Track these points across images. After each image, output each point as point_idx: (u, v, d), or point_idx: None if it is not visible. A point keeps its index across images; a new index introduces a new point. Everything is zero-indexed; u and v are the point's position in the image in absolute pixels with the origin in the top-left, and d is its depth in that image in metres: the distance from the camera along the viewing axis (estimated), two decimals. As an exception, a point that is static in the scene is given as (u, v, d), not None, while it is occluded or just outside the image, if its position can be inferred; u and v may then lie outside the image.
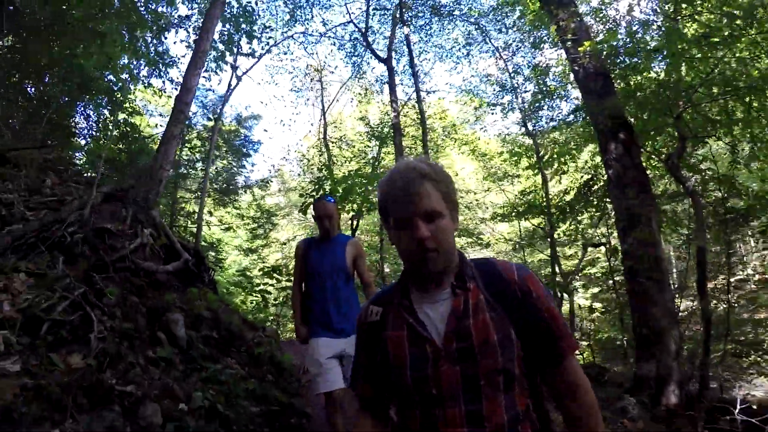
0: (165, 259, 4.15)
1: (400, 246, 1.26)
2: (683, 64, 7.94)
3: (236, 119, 18.63)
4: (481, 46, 13.53)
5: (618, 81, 8.82)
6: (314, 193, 8.47)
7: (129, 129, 10.63)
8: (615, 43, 8.47)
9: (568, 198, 11.53)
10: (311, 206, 3.53)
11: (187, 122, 8.25)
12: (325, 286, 3.14)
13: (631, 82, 8.90)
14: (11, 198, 3.05)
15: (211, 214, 14.26)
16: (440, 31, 13.40)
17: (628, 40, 8.71)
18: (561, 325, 1.28)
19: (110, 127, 10.01)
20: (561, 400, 1.29)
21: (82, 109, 9.74)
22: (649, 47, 8.58)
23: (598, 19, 10.41)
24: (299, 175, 20.83)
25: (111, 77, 9.98)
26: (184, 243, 4.76)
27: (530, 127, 12.27)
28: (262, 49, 13.29)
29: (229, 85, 13.28)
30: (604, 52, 8.19)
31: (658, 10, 10.02)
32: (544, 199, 11.49)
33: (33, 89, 8.97)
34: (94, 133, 9.41)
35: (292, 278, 3.65)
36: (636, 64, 8.43)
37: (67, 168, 5.12)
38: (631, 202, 7.52)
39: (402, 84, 13.60)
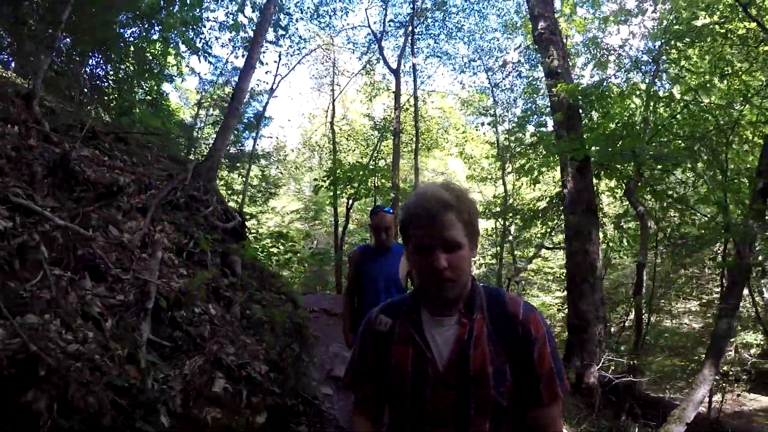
0: (224, 220, 5.92)
1: (418, 270, 1.29)
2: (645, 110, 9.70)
3: (249, 93, 20.20)
4: (480, 64, 15.32)
5: (584, 116, 10.57)
6: (325, 179, 10.14)
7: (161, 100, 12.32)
8: (578, 89, 10.16)
9: (542, 204, 13.30)
10: (371, 215, 3.43)
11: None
12: (380, 297, 3.05)
13: (594, 119, 10.68)
14: (142, 170, 4.78)
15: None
16: (446, 42, 15.22)
17: (594, 84, 10.51)
18: (548, 371, 1.28)
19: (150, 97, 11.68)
20: None
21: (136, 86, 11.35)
22: (613, 94, 10.35)
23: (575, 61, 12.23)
24: (301, 152, 22.59)
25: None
26: (232, 209, 6.54)
27: (502, 139, 13.92)
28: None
29: (272, 88, 14.95)
30: (575, 93, 9.83)
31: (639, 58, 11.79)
32: (502, 205, 13.11)
33: (94, 67, 10.54)
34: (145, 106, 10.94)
35: (346, 284, 3.63)
36: (596, 106, 10.22)
37: (152, 145, 6.80)
38: (578, 218, 9.31)
39: (406, 84, 15.25)
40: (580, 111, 10.41)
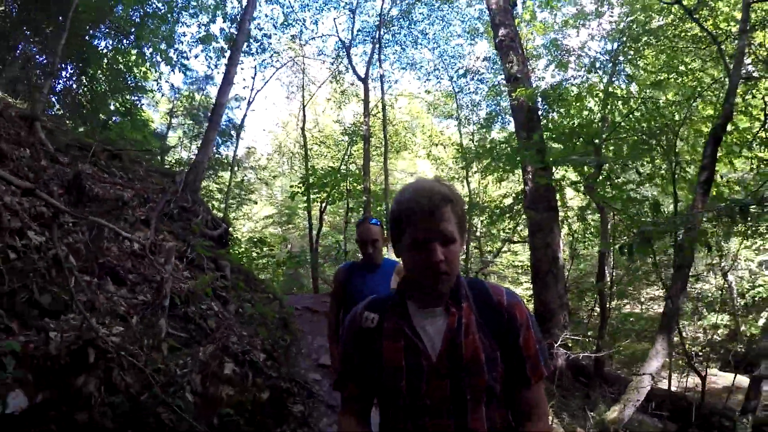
0: (211, 228, 6.38)
1: (413, 265, 1.31)
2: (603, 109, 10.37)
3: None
4: (444, 69, 16.02)
5: (543, 116, 11.24)
6: (300, 185, 10.62)
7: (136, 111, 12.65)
8: (537, 92, 10.85)
9: (507, 201, 13.95)
10: (357, 226, 3.15)
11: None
12: None
13: (551, 120, 11.35)
14: (139, 185, 5.22)
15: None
16: (413, 48, 15.86)
17: (550, 88, 11.22)
18: (533, 354, 1.34)
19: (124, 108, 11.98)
20: (519, 419, 1.37)
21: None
22: (571, 95, 11.04)
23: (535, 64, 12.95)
24: (273, 158, 22.97)
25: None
26: (217, 217, 7.00)
27: (467, 142, 14.60)
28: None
29: (249, 102, 15.36)
30: (533, 97, 10.48)
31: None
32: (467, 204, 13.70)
33: (67, 80, 10.81)
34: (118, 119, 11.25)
35: (329, 305, 3.26)
36: (554, 107, 10.93)
37: (139, 159, 7.20)
38: (540, 214, 9.98)
39: (374, 90, 15.82)
40: (539, 113, 11.03)
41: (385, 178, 13.16)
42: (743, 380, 12.46)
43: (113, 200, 4.14)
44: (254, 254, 10.67)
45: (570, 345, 9.19)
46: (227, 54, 13.54)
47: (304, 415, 3.88)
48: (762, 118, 8.27)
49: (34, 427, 2.10)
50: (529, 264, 15.32)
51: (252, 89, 15.83)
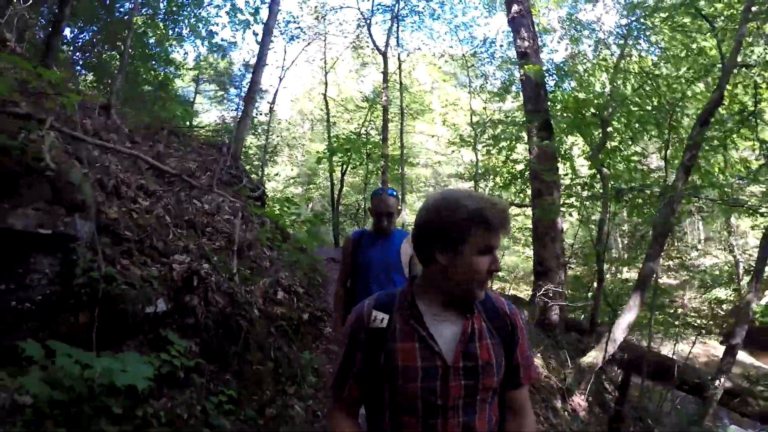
0: (252, 190, 7.64)
1: (475, 270, 1.36)
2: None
3: (244, 65, 21.54)
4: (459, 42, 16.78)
5: (555, 88, 12.05)
6: (325, 152, 11.78)
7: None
8: (545, 68, 11.65)
9: (519, 167, 14.90)
10: (371, 199, 3.17)
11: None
12: (380, 280, 2.92)
13: (556, 96, 12.13)
14: (200, 158, 6.46)
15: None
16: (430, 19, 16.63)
17: (558, 67, 12.04)
18: (527, 359, 1.51)
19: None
20: (508, 417, 1.51)
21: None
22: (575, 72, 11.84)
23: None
24: (295, 120, 24.08)
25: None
26: (257, 180, 8.25)
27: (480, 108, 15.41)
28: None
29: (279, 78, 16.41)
30: (540, 73, 11.29)
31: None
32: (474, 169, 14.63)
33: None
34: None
35: (339, 274, 3.32)
36: (558, 85, 11.73)
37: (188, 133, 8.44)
38: (540, 179, 10.99)
39: (393, 58, 16.68)
40: (550, 86, 11.76)
41: (401, 145, 14.19)
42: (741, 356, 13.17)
43: (184, 171, 5.38)
44: (284, 212, 11.90)
45: (566, 301, 10.24)
46: (253, 26, 14.52)
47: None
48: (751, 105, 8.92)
49: (170, 322, 3.40)
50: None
51: (282, 68, 16.81)
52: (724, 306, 17.50)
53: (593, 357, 7.49)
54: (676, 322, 11.08)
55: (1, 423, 2.23)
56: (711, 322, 16.10)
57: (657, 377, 8.88)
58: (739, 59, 8.09)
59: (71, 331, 2.79)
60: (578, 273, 15.33)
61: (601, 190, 13.54)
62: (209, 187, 5.29)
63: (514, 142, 13.93)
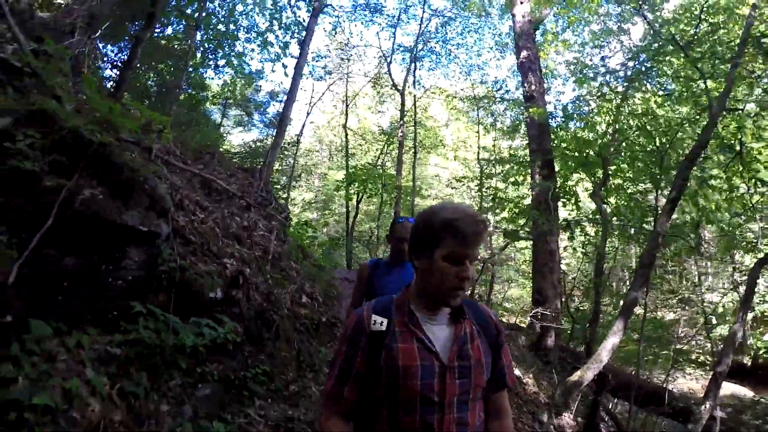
0: (279, 212, 8.60)
1: (442, 277, 1.46)
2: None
3: (269, 94, 22.83)
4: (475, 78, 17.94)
5: (553, 133, 12.90)
6: (343, 181, 12.80)
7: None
8: (550, 111, 12.56)
9: (526, 202, 15.71)
10: (392, 227, 3.30)
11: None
12: None
13: (561, 136, 12.99)
14: (239, 179, 7.45)
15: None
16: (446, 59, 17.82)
17: (564, 108, 12.93)
18: (509, 363, 1.65)
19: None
20: (490, 418, 1.64)
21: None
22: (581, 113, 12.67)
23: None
24: (314, 148, 25.27)
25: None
26: (283, 203, 9.23)
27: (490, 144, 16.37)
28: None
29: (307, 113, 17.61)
30: (544, 116, 12.19)
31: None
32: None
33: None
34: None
35: (351, 300, 3.43)
36: (563, 126, 12.54)
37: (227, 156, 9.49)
38: (541, 214, 11.81)
39: (410, 95, 17.82)
40: (556, 125, 12.56)
41: (413, 177, 15.19)
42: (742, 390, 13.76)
43: (226, 191, 6.37)
44: (303, 234, 12.88)
45: (563, 328, 10.87)
46: (282, 59, 15.71)
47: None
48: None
49: (223, 309, 4.32)
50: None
51: (309, 104, 18.07)
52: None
53: (578, 376, 8.12)
54: (665, 352, 11.72)
55: (99, 365, 3.11)
56: (715, 359, 16.58)
57: (646, 404, 9.32)
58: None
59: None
60: (583, 306, 15.83)
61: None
62: (249, 206, 6.26)
63: (521, 177, 14.78)
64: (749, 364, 16.55)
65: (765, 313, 16.24)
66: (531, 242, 12.79)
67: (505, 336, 1.65)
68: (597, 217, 12.54)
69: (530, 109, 12.03)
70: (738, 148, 9.01)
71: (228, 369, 3.95)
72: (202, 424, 3.31)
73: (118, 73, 7.37)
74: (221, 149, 10.83)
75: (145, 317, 3.44)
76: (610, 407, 9.88)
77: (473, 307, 1.64)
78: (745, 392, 13.57)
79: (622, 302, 15.37)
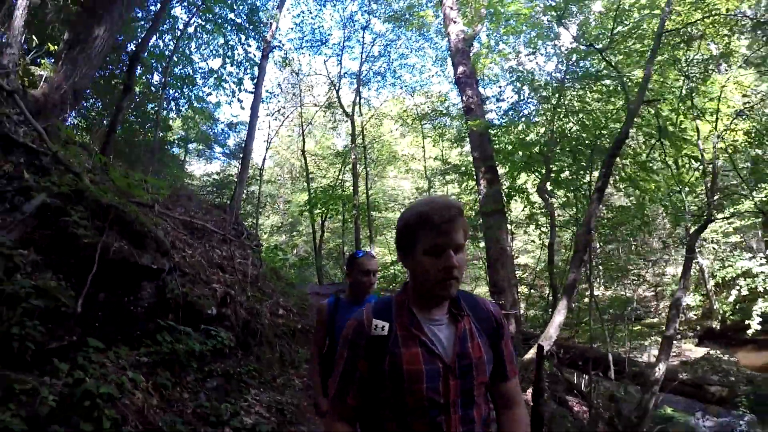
0: (252, 241, 9.74)
1: (428, 270, 1.46)
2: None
3: (228, 125, 23.86)
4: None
5: (495, 137, 14.17)
6: (306, 205, 14.00)
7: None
8: (492, 117, 13.83)
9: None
10: (351, 261, 3.18)
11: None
12: None
13: (500, 142, 14.18)
14: (213, 218, 8.58)
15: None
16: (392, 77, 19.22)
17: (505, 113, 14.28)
18: (511, 353, 1.65)
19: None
20: (500, 409, 1.65)
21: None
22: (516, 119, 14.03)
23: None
24: (276, 172, 26.40)
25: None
26: (253, 233, 10.37)
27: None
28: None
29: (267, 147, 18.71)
30: (482, 126, 13.55)
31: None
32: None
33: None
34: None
35: (314, 338, 3.35)
36: (503, 131, 13.78)
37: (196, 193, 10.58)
38: (489, 214, 13.12)
39: (360, 113, 19.17)
40: (497, 131, 13.69)
41: (366, 195, 16.40)
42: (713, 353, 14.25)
43: (205, 229, 7.52)
44: (275, 257, 14.04)
45: (521, 316, 12.01)
46: (237, 95, 16.84)
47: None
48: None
49: (218, 323, 5.48)
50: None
51: (268, 140, 19.24)
52: (694, 312, 18.63)
53: (531, 353, 9.31)
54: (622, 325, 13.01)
55: (135, 369, 4.24)
56: (684, 327, 17.74)
57: (607, 373, 10.16)
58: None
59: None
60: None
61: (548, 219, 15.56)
62: (225, 239, 7.42)
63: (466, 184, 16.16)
64: (718, 327, 17.20)
65: (726, 278, 16.31)
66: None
67: (505, 326, 1.66)
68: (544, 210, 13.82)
69: (470, 122, 12.78)
70: (658, 135, 10.07)
71: (227, 367, 5.14)
72: (214, 405, 4.47)
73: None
74: (187, 183, 11.84)
75: (163, 332, 4.60)
76: (575, 381, 11.17)
77: (472, 301, 1.64)
78: (718, 354, 14.27)
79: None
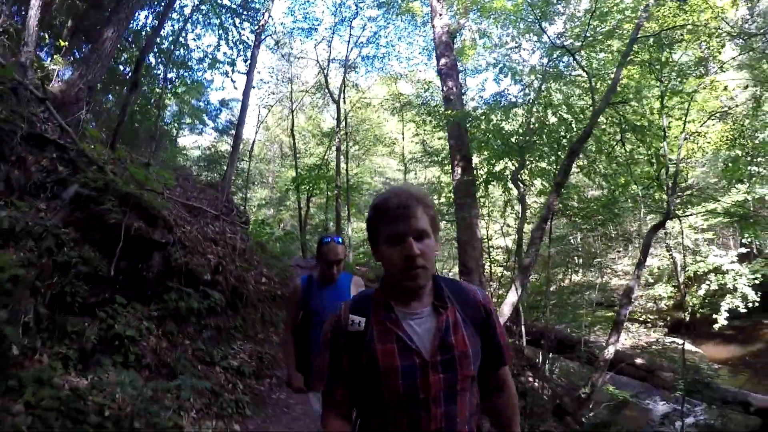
0: (241, 217, 10.99)
1: (391, 261, 1.45)
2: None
3: (220, 102, 24.81)
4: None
5: (474, 128, 15.22)
6: (293, 183, 15.21)
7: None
8: (474, 106, 14.87)
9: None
10: (319, 246, 3.23)
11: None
12: None
13: (476, 132, 15.21)
14: (204, 196, 9.80)
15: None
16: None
17: (477, 108, 15.39)
18: (504, 341, 1.63)
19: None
20: (492, 396, 1.67)
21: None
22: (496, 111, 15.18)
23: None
24: (266, 146, 27.49)
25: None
26: (243, 210, 11.61)
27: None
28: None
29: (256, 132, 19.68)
30: (459, 117, 14.66)
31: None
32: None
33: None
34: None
35: (285, 319, 3.44)
36: (479, 122, 14.89)
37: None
38: (462, 200, 14.35)
39: (344, 100, 20.25)
40: (475, 122, 14.65)
41: (346, 174, 17.50)
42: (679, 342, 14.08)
43: (201, 209, 8.76)
44: (262, 231, 15.31)
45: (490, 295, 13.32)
46: (230, 76, 17.81)
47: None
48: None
49: (212, 287, 6.77)
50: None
51: (257, 125, 20.31)
52: (665, 303, 19.29)
53: None
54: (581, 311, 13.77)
55: (149, 320, 5.53)
56: (655, 317, 18.41)
57: (561, 352, 11.71)
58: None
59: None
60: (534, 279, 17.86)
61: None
62: (217, 216, 8.69)
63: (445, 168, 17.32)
64: (688, 319, 16.87)
65: (698, 273, 16.73)
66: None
67: (495, 312, 1.64)
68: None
69: (447, 111, 13.43)
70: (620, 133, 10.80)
71: (219, 322, 6.48)
72: (209, 349, 5.82)
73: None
74: (180, 159, 12.97)
75: (169, 293, 5.89)
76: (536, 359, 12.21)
77: (459, 290, 1.62)
78: (687, 346, 13.84)
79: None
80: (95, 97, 8.37)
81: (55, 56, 9.42)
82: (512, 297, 9.76)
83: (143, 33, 11.81)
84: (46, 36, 9.40)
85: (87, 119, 7.95)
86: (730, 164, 13.04)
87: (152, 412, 4.04)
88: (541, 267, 14.99)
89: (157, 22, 9.76)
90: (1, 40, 8.87)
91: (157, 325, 5.50)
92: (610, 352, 9.67)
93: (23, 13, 9.91)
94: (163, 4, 10.77)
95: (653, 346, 13.77)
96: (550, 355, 11.83)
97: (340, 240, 3.23)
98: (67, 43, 10.10)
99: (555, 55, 12.27)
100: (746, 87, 13.34)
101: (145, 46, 9.15)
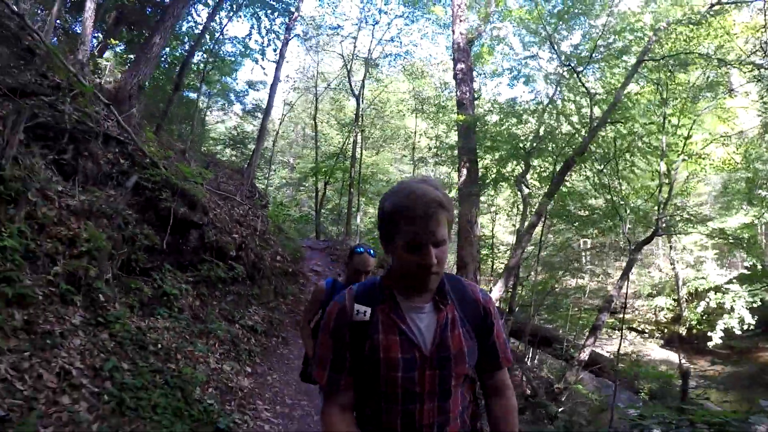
0: (262, 199, 12.53)
1: (406, 264, 1.44)
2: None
3: (247, 83, 26.17)
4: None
5: (482, 132, 16.38)
6: (313, 170, 16.75)
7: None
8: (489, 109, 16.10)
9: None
10: (351, 255, 3.39)
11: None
12: None
13: (486, 134, 16.24)
14: (232, 181, 11.37)
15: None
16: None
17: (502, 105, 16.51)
18: (503, 343, 1.63)
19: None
20: (490, 398, 1.65)
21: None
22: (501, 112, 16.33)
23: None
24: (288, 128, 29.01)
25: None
26: (264, 192, 13.16)
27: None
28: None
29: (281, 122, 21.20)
30: (469, 121, 15.86)
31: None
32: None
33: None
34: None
35: (303, 317, 3.65)
36: (486, 125, 16.04)
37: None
38: (464, 198, 15.61)
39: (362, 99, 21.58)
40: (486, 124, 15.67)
41: (359, 165, 18.82)
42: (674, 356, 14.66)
43: (230, 191, 10.31)
44: (281, 213, 16.84)
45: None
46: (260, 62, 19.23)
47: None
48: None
49: (236, 261, 8.33)
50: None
51: (284, 103, 21.76)
52: (665, 314, 19.97)
53: None
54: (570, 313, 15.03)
55: (186, 284, 7.10)
56: (654, 328, 19.59)
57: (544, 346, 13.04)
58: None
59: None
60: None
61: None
62: (241, 201, 10.25)
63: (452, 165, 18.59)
64: (684, 333, 17.79)
65: (699, 289, 17.44)
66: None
67: (497, 314, 1.64)
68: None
69: (459, 116, 14.40)
70: (615, 150, 10.97)
71: (240, 290, 8.08)
72: (231, 310, 7.42)
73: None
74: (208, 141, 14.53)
75: (203, 264, 7.47)
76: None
77: (460, 288, 1.61)
78: (675, 358, 14.57)
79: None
80: (143, 95, 9.85)
81: (106, 54, 10.98)
82: (495, 293, 10.86)
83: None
84: (100, 36, 10.87)
85: (137, 115, 9.48)
86: (730, 186, 13.60)
87: (191, 348, 5.63)
88: (542, 268, 15.67)
89: (202, 26, 11.21)
90: (59, 38, 10.40)
91: (193, 288, 7.11)
92: (585, 353, 10.70)
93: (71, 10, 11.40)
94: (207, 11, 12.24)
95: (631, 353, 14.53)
96: (531, 350, 13.18)
97: (372, 252, 3.38)
98: (117, 41, 11.58)
99: (565, 70, 12.68)
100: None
101: (189, 52, 10.65)
